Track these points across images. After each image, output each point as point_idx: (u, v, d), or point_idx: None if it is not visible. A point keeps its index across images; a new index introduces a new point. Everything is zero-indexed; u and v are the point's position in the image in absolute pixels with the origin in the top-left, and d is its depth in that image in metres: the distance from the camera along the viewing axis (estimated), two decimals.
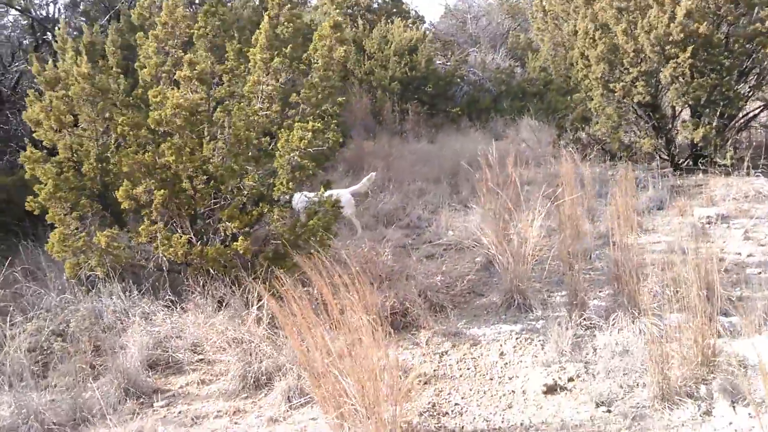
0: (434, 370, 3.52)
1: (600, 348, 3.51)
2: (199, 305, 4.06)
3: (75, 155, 3.95)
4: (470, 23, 18.59)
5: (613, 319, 3.65)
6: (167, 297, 4.26)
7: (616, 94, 7.28)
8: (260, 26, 4.12)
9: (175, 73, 3.87)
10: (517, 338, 3.75)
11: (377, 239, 5.85)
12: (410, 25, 15.87)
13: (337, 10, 4.69)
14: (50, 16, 8.27)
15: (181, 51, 3.88)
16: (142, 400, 3.42)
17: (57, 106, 3.71)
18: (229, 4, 8.50)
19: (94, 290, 4.34)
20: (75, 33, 7.75)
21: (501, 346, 3.70)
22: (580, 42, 7.42)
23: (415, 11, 18.79)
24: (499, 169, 5.42)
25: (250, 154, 4.11)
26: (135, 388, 3.44)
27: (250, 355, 3.58)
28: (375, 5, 17.79)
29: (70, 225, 3.92)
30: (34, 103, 3.77)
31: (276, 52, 4.18)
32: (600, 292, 4.37)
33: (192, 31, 4.01)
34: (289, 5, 4.44)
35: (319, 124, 4.21)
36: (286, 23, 4.35)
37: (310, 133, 4.14)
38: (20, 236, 5.20)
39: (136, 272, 4.37)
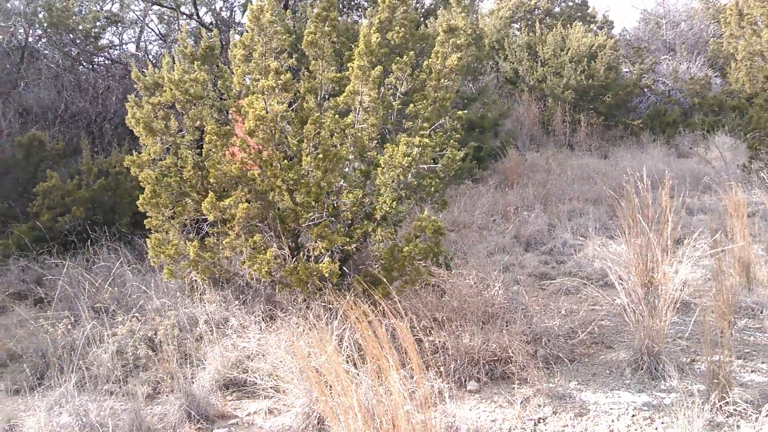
0: None
1: None
2: (291, 325, 3.83)
3: (179, 162, 3.89)
4: (665, 28, 16.92)
5: None
6: (262, 312, 4.09)
7: None
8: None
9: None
10: (633, 415, 3.03)
11: (511, 264, 5.30)
12: (596, 30, 14.81)
13: (461, 12, 4.13)
14: (219, 20, 8.63)
15: (271, 59, 3.62)
16: (200, 425, 3.22)
17: (147, 113, 3.66)
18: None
19: (197, 295, 4.30)
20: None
21: (612, 422, 3.00)
22: None
23: (604, 15, 17.52)
24: (654, 196, 4.63)
25: (346, 169, 3.79)
26: (197, 411, 3.25)
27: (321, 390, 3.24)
28: (557, 9, 16.83)
29: (168, 231, 3.86)
30: (132, 108, 3.75)
31: (386, 60, 3.81)
32: (763, 363, 3.47)
33: (285, 38, 3.75)
34: (404, 7, 4.05)
35: (426, 140, 3.77)
36: (398, 28, 3.97)
37: (416, 149, 3.72)
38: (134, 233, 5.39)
39: (237, 282, 4.24)
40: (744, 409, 2.91)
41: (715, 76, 14.03)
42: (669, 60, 15.11)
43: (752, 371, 3.40)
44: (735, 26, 7.61)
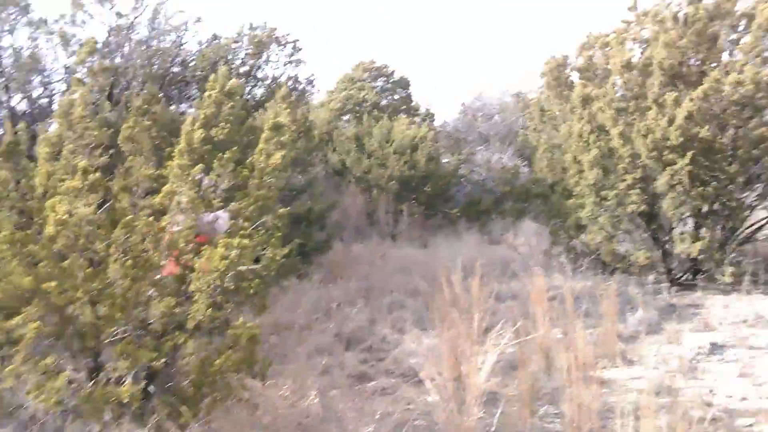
0: None
1: None
2: None
3: None
4: (480, 120, 18.49)
5: None
6: None
7: (608, 203, 6.79)
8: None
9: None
10: None
11: (331, 366, 5.28)
12: (419, 122, 15.81)
13: (286, 108, 4.26)
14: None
15: (81, 157, 3.49)
16: None
17: None
18: None
19: None
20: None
21: None
22: (574, 145, 7.03)
23: (427, 108, 18.86)
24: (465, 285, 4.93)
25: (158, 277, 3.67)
26: None
27: None
28: (384, 102, 17.89)
29: None
30: None
31: (208, 157, 3.80)
32: None
33: (101, 132, 3.65)
34: (231, 103, 4.10)
35: (246, 240, 3.75)
36: (223, 124, 4.00)
37: (235, 251, 3.68)
38: None
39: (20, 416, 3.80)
40: None
41: (524, 166, 15.43)
42: (483, 150, 16.45)
43: None
44: (537, 121, 8.49)
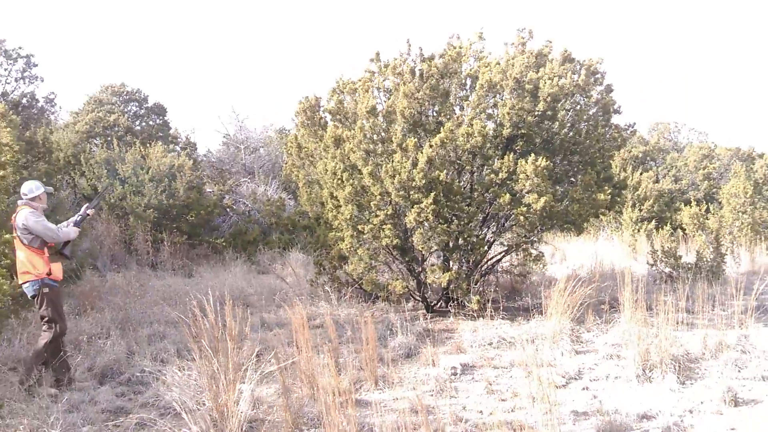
0: None
1: None
2: None
3: None
4: (243, 153, 18.34)
5: None
6: None
7: (365, 236, 7.09)
8: None
9: None
10: None
11: (81, 402, 4.77)
12: (179, 150, 15.21)
13: (6, 126, 3.77)
14: None
15: None
16: None
17: None
18: None
19: None
20: None
21: None
22: (329, 182, 7.24)
23: (187, 137, 18.19)
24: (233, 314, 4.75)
25: None
26: None
27: None
28: (138, 127, 16.90)
29: None
30: None
31: None
32: None
33: None
34: None
35: None
36: None
37: None
38: None
39: None
40: None
41: (289, 198, 15.58)
42: (248, 182, 16.31)
43: None
44: (296, 157, 8.59)
